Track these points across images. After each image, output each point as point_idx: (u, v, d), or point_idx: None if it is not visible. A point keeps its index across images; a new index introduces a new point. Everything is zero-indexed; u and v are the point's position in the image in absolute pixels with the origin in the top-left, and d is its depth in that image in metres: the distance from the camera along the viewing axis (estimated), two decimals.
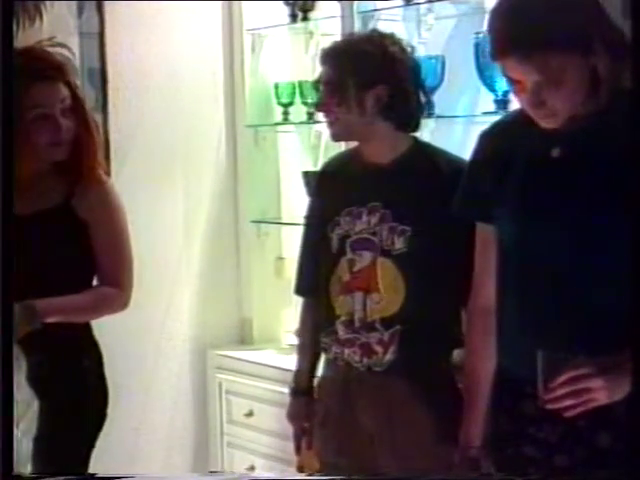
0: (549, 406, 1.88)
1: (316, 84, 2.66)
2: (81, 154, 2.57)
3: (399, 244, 2.48)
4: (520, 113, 2.06)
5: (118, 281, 2.60)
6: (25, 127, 2.45)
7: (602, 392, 1.86)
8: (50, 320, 2.44)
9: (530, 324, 2.03)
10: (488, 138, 2.18)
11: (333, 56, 2.54)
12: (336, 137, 2.63)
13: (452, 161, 2.56)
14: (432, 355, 2.52)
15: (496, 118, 3.14)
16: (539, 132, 1.99)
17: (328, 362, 2.64)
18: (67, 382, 2.55)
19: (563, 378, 1.85)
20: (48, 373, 2.50)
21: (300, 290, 2.77)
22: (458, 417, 2.34)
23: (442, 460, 2.36)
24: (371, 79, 2.49)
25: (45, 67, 2.53)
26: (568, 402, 1.86)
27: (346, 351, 2.54)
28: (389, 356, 2.49)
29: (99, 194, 2.60)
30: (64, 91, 2.55)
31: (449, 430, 2.35)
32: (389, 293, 2.49)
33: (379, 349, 2.50)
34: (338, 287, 2.55)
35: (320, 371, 2.71)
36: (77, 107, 2.58)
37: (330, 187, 2.67)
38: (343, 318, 2.54)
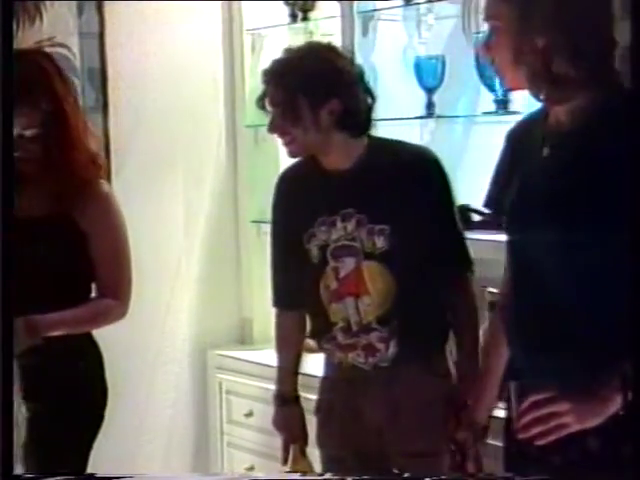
0: (520, 435, 1.82)
1: (260, 102, 2.58)
2: (72, 165, 2.55)
3: (380, 243, 2.50)
4: (537, 112, 2.05)
5: (118, 293, 2.60)
6: None
7: (571, 416, 1.78)
8: (51, 334, 2.45)
9: (520, 328, 2.01)
10: (506, 137, 2.16)
11: (280, 76, 2.50)
12: (294, 155, 2.60)
13: (410, 149, 2.60)
14: (431, 343, 2.57)
15: (496, 118, 3.19)
16: (540, 131, 1.98)
17: (330, 363, 2.65)
18: (61, 384, 2.54)
19: (526, 404, 1.80)
20: (44, 375, 2.50)
21: (278, 302, 2.76)
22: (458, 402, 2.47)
23: (444, 444, 2.44)
24: (323, 96, 2.48)
25: (18, 89, 2.38)
26: (536, 429, 1.79)
27: (350, 355, 2.56)
28: (392, 349, 2.52)
29: (100, 206, 2.59)
30: (33, 117, 2.50)
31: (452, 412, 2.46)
32: (380, 292, 2.51)
33: (381, 346, 2.52)
34: (328, 295, 2.56)
35: (321, 371, 2.71)
36: (59, 121, 2.54)
37: (294, 198, 2.65)
38: (340, 324, 2.55)
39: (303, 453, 2.73)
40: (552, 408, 1.79)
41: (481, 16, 3.22)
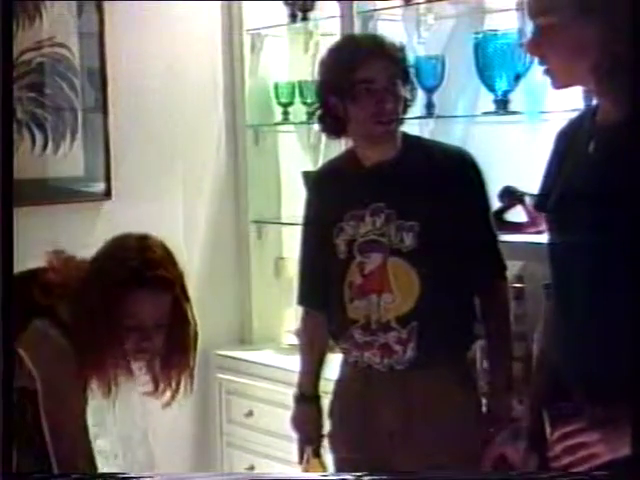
0: (552, 464, 1.80)
1: (349, 80, 2.44)
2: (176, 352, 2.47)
3: (408, 241, 2.47)
4: (587, 109, 2.01)
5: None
6: (114, 330, 2.31)
7: (600, 446, 1.75)
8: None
9: (561, 331, 1.98)
10: (556, 136, 2.10)
11: (391, 50, 2.49)
12: (390, 137, 2.52)
13: (447, 150, 2.58)
14: (451, 349, 2.52)
15: (496, 118, 3.19)
16: (588, 127, 1.94)
17: (345, 364, 2.62)
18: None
19: (557, 435, 1.78)
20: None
21: (305, 301, 2.74)
22: (478, 411, 2.48)
23: (462, 452, 2.43)
24: (405, 77, 2.50)
25: (158, 278, 2.33)
26: (567, 460, 1.77)
27: (365, 354, 2.52)
28: (409, 353, 2.47)
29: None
30: (166, 307, 2.38)
31: (469, 423, 2.45)
32: (402, 291, 2.47)
33: (398, 348, 2.48)
34: (351, 292, 2.53)
35: (336, 372, 2.68)
36: (176, 319, 2.45)
37: (327, 193, 2.65)
38: (360, 322, 2.51)
39: (317, 454, 2.71)
40: (582, 438, 1.76)
41: (481, 16, 3.26)
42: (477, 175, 2.53)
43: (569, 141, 2.02)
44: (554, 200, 1.98)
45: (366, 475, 2.18)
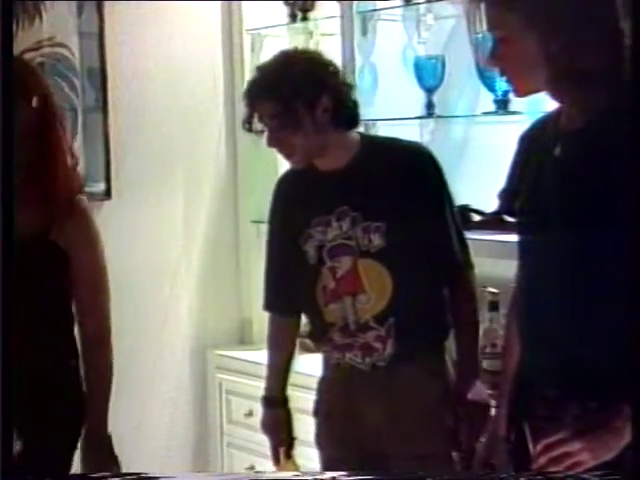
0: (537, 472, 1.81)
1: (247, 124, 2.58)
2: (51, 180, 2.47)
3: (376, 241, 2.49)
4: (550, 113, 2.03)
5: (97, 312, 2.54)
6: None
7: (585, 454, 1.77)
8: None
9: (532, 333, 2.00)
10: (519, 139, 2.14)
11: (269, 88, 2.50)
12: (300, 164, 2.58)
13: (403, 147, 2.60)
14: (429, 342, 2.57)
15: (496, 118, 3.19)
16: (553, 131, 1.97)
17: (328, 365, 2.65)
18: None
19: (540, 447, 1.80)
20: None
21: (269, 306, 2.76)
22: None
23: (445, 443, 2.51)
24: (315, 95, 2.48)
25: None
26: (552, 469, 1.78)
27: (347, 355, 2.55)
28: (389, 349, 2.51)
29: (80, 224, 2.52)
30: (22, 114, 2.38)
31: (449, 413, 2.52)
32: (376, 290, 2.51)
33: (379, 345, 2.52)
34: (325, 296, 2.56)
35: (320, 371, 2.70)
36: (43, 129, 2.46)
37: (290, 201, 2.66)
38: (337, 324, 2.55)
39: (288, 456, 2.74)
40: (566, 448, 1.78)
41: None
42: (434, 169, 2.55)
43: (532, 144, 2.06)
44: (521, 202, 2.01)
45: (357, 472, 2.20)
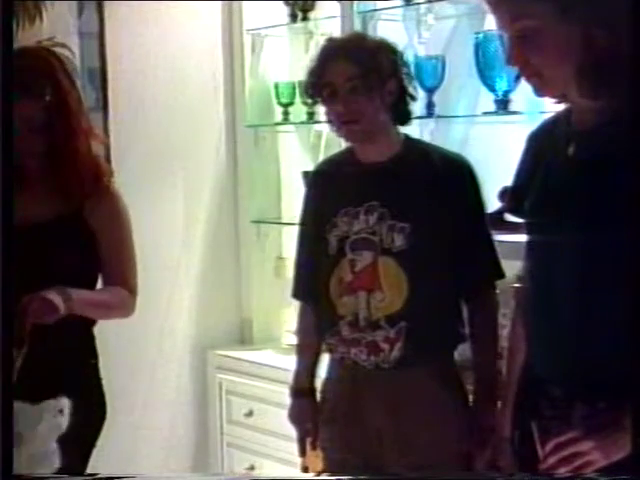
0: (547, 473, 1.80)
1: (313, 87, 2.53)
2: (77, 157, 2.53)
3: (399, 241, 2.48)
4: (560, 113, 2.01)
5: (131, 286, 2.59)
6: None
7: (596, 453, 1.74)
8: (76, 311, 2.41)
9: (541, 334, 1.98)
10: (527, 138, 2.11)
11: (351, 50, 2.49)
12: (358, 137, 2.54)
13: (445, 156, 2.57)
14: (437, 350, 2.53)
15: (496, 118, 3.19)
16: (564, 130, 1.95)
17: (333, 362, 2.63)
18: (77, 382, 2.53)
19: (550, 447, 1.77)
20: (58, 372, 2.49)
21: (298, 294, 2.76)
22: (465, 412, 2.49)
23: (450, 454, 2.46)
24: (387, 72, 2.48)
25: (22, 79, 2.40)
26: (562, 470, 1.76)
27: (352, 350, 2.53)
28: (396, 352, 2.49)
29: (109, 203, 2.59)
30: (37, 107, 2.47)
31: (456, 424, 2.47)
32: (392, 291, 2.48)
33: (385, 346, 2.49)
34: (340, 288, 2.54)
35: (325, 371, 2.69)
36: (63, 111, 2.51)
37: (324, 189, 2.66)
38: (347, 318, 2.53)
39: (314, 447, 2.71)
40: (577, 448, 1.76)
41: (481, 16, 3.25)
42: (473, 183, 2.53)
43: (542, 143, 2.03)
44: (531, 201, 1.99)
45: (362, 477, 2.19)
